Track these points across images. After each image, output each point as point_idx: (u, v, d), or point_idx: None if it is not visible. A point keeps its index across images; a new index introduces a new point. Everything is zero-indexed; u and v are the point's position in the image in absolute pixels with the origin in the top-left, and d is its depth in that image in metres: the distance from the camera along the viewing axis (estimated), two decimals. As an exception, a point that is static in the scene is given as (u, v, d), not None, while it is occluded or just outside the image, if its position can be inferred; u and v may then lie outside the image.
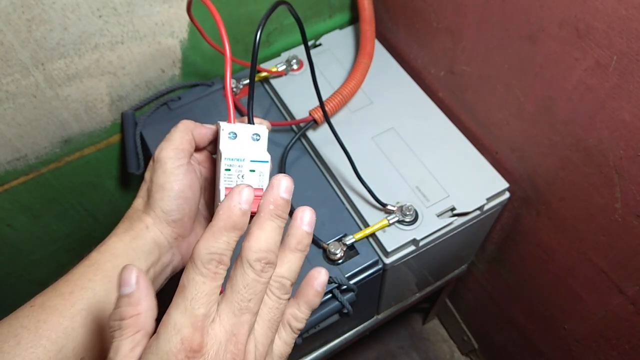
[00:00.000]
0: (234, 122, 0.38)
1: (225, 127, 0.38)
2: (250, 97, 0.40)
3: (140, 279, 0.27)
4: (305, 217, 0.31)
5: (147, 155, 0.66)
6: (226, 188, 0.37)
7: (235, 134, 0.38)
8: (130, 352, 0.26)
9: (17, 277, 0.79)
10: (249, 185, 0.29)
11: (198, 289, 0.26)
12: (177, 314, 0.26)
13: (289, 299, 0.31)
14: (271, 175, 0.42)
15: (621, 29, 0.41)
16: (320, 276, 0.33)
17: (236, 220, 0.28)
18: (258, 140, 0.38)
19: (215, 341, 0.27)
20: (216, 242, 0.27)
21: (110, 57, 0.60)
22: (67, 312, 0.34)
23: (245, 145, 0.38)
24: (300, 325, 0.32)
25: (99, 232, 0.82)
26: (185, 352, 0.25)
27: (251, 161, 0.38)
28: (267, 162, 0.38)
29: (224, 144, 0.37)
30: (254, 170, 0.38)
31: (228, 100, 0.38)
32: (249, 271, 0.28)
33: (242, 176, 0.37)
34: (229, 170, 0.37)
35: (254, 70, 0.40)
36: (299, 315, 0.32)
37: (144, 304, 0.27)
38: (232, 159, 0.37)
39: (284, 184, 0.30)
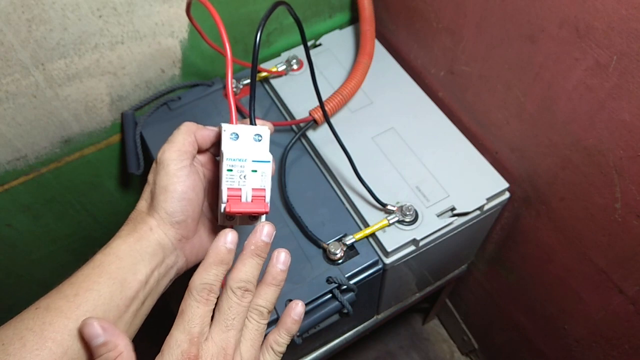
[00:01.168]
0: (236, 123, 0.38)
1: (227, 128, 0.38)
2: (252, 99, 0.40)
3: (104, 325, 0.31)
4: (280, 257, 0.37)
5: (147, 155, 0.66)
6: (228, 189, 0.37)
7: (237, 134, 0.38)
8: None
9: (17, 277, 0.79)
10: (233, 230, 0.36)
11: (193, 312, 0.33)
12: (177, 332, 0.32)
13: (267, 323, 0.37)
14: (273, 175, 0.43)
15: (621, 29, 0.41)
16: (297, 307, 0.39)
17: (222, 256, 0.34)
18: (260, 140, 0.38)
19: (208, 353, 0.33)
20: (207, 274, 0.34)
21: (110, 57, 0.60)
22: (73, 314, 0.34)
23: (247, 146, 0.38)
24: (281, 348, 0.38)
25: (99, 232, 0.82)
26: None
27: (253, 161, 0.38)
28: (269, 162, 0.38)
29: (226, 145, 0.37)
30: (255, 171, 0.38)
31: (230, 102, 0.38)
32: (232, 296, 0.34)
33: (244, 176, 0.38)
34: (231, 170, 0.37)
35: (254, 71, 0.40)
36: (279, 340, 0.38)
37: (121, 343, 0.31)
38: (234, 159, 0.37)
39: (266, 230, 0.36)
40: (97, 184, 0.74)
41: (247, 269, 0.35)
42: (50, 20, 0.53)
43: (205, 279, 0.34)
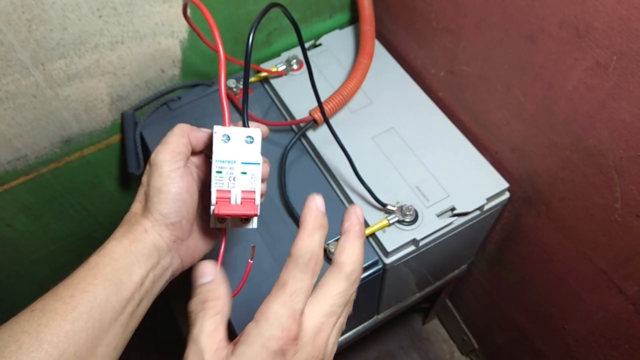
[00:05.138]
0: (229, 125, 0.38)
1: (218, 130, 0.37)
2: (245, 100, 0.40)
3: (218, 271, 0.32)
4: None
5: (147, 156, 0.66)
6: (217, 191, 0.37)
7: (228, 136, 0.38)
8: (213, 332, 0.29)
9: (18, 277, 0.79)
10: (319, 194, 0.34)
11: (298, 285, 0.30)
12: (278, 305, 0.29)
13: None
14: (266, 178, 0.42)
15: (621, 29, 0.41)
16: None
17: (322, 221, 0.32)
18: (251, 142, 0.38)
19: (306, 334, 0.30)
20: (311, 240, 0.31)
21: (110, 57, 0.60)
22: (69, 315, 0.34)
23: (238, 148, 0.38)
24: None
25: (99, 232, 0.82)
26: (284, 340, 0.28)
27: (242, 163, 0.38)
28: (259, 164, 0.38)
29: (217, 147, 0.37)
30: (245, 173, 0.38)
31: (223, 104, 0.38)
32: (345, 281, 0.31)
33: (234, 178, 0.37)
34: (220, 172, 0.37)
35: (247, 73, 0.39)
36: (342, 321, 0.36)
37: (222, 290, 0.31)
38: (223, 161, 0.37)
39: (359, 210, 0.34)
40: (97, 184, 0.74)
41: (358, 250, 0.33)
42: (50, 20, 0.53)
43: (309, 245, 0.31)
